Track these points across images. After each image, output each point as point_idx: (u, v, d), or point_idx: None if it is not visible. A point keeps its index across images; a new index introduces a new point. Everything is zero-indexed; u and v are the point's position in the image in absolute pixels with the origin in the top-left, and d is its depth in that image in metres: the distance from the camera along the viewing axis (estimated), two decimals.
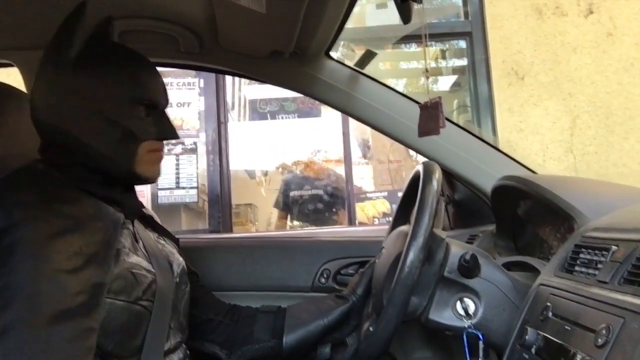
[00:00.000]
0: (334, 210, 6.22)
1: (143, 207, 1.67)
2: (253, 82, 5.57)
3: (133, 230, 1.53)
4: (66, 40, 1.46)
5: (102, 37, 1.58)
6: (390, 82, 5.50)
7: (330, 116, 6.25)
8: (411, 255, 1.32)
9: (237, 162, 6.15)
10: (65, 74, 1.45)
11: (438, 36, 5.76)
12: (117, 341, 1.37)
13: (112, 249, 1.37)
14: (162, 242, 1.66)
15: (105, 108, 1.47)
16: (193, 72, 5.53)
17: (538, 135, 5.26)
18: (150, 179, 1.59)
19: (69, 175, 1.44)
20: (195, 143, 5.69)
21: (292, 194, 6.21)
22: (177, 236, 1.80)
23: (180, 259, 1.67)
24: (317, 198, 6.18)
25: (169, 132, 1.59)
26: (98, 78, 1.48)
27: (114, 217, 1.43)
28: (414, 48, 6.22)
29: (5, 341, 1.16)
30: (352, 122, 5.70)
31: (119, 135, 1.49)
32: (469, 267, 1.40)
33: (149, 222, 1.67)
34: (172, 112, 5.16)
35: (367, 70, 2.15)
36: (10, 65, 2.10)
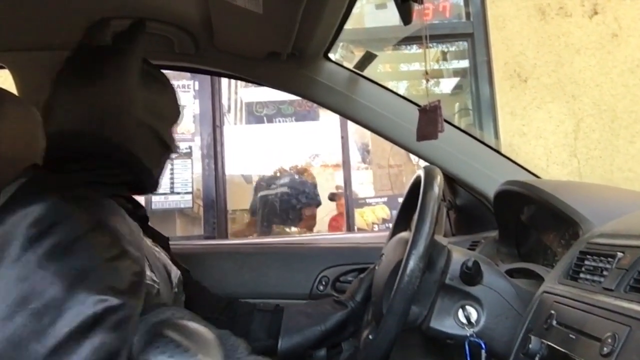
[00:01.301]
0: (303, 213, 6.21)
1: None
2: (249, 84, 5.57)
3: None
4: (126, 55, 1.55)
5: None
6: (390, 84, 5.50)
7: (328, 119, 6.26)
8: (411, 264, 1.32)
9: (233, 167, 6.15)
10: (126, 87, 1.52)
11: (439, 37, 5.76)
12: None
13: (142, 240, 1.40)
14: (157, 249, 1.66)
15: (159, 127, 1.61)
16: (188, 74, 5.53)
17: (541, 139, 5.26)
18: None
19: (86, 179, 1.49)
20: (190, 147, 5.70)
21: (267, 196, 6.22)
22: (171, 243, 1.80)
23: (176, 269, 1.67)
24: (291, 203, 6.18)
25: (176, 146, 1.75)
26: (156, 97, 1.61)
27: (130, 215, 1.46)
28: (414, 50, 6.22)
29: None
30: (351, 125, 5.70)
31: (162, 153, 1.65)
32: (471, 274, 1.40)
33: (145, 230, 1.67)
34: None
35: (367, 72, 2.14)
36: (1, 68, 2.10)
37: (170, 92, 1.70)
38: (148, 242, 1.63)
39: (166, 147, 1.67)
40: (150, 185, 1.65)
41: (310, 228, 6.15)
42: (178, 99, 1.76)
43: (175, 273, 1.65)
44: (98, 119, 1.49)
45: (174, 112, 1.72)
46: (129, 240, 1.33)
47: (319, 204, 6.24)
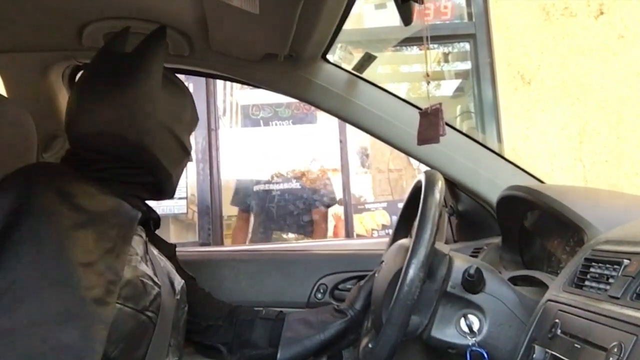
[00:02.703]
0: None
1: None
2: (245, 86, 5.57)
3: (145, 240, 1.60)
4: (149, 61, 1.63)
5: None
6: (390, 87, 5.50)
7: (326, 123, 6.26)
8: (411, 273, 1.31)
9: (229, 171, 6.15)
10: (149, 91, 1.60)
11: (440, 38, 5.77)
12: (122, 349, 1.40)
13: (128, 244, 1.44)
14: (162, 258, 1.69)
15: (179, 131, 1.69)
16: (182, 76, 5.53)
17: (545, 143, 5.27)
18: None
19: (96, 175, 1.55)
20: None
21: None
22: None
23: (180, 278, 1.70)
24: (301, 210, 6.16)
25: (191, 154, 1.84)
26: (178, 102, 1.71)
27: (131, 213, 1.51)
28: (415, 51, 6.23)
29: (16, 340, 1.19)
30: (349, 128, 5.70)
31: (182, 158, 1.74)
32: (474, 282, 1.40)
33: (152, 238, 1.71)
34: None
35: (366, 74, 2.14)
36: None
37: (188, 97, 1.77)
38: (153, 250, 1.66)
39: (186, 152, 1.75)
40: (168, 190, 1.73)
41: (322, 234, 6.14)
42: (195, 106, 1.83)
43: (179, 282, 1.69)
44: (123, 122, 1.56)
45: (193, 117, 1.79)
46: (115, 235, 1.41)
47: (329, 204, 6.21)
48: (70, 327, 1.24)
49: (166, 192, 1.73)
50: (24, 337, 1.20)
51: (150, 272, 1.51)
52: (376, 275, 1.66)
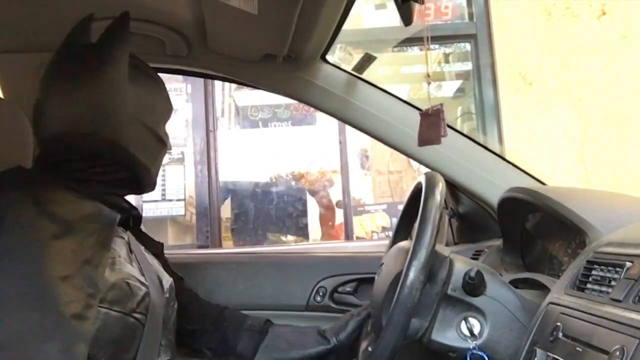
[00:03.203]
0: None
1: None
2: (244, 87, 5.57)
3: (128, 241, 1.58)
4: (114, 51, 1.55)
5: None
6: (390, 87, 5.50)
7: (326, 124, 6.26)
8: (411, 276, 1.31)
9: (227, 173, 6.15)
10: (116, 85, 1.53)
11: (441, 39, 5.78)
12: (110, 354, 1.39)
13: (107, 250, 1.41)
14: (150, 256, 1.69)
15: (153, 123, 1.62)
16: (180, 77, 5.53)
17: (547, 145, 5.27)
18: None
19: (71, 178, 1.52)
20: (182, 153, 5.70)
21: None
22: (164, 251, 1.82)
23: (168, 276, 1.69)
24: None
25: (170, 143, 1.77)
26: (147, 93, 1.62)
27: (109, 216, 1.48)
28: (415, 51, 6.23)
29: None
30: (349, 130, 5.70)
31: (159, 150, 1.68)
32: (474, 285, 1.39)
33: (138, 236, 1.70)
34: None
35: (366, 75, 2.14)
36: None
37: (160, 87, 1.71)
38: (141, 248, 1.66)
39: (162, 143, 1.69)
40: (148, 183, 1.67)
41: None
42: (169, 94, 1.76)
43: (167, 280, 1.68)
44: (90, 119, 1.50)
45: (166, 106, 1.73)
46: (94, 243, 1.39)
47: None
48: (49, 345, 1.24)
49: (146, 186, 1.68)
50: (1, 356, 1.19)
51: (136, 272, 1.50)
52: (376, 278, 1.66)
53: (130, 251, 1.57)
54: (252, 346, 1.82)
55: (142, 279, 1.50)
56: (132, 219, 1.69)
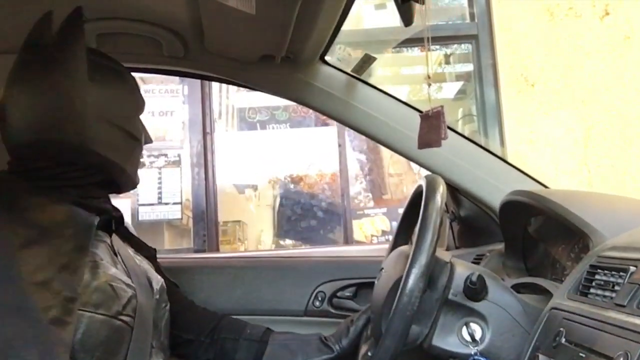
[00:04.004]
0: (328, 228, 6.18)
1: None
2: (241, 89, 5.57)
3: (110, 244, 1.57)
4: (69, 51, 1.51)
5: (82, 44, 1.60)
6: (390, 89, 5.50)
7: (325, 126, 6.26)
8: (410, 284, 1.31)
9: (225, 176, 6.15)
10: (76, 86, 1.50)
11: (442, 39, 5.78)
12: (98, 357, 1.39)
13: (85, 255, 1.40)
14: (139, 258, 1.69)
15: (121, 121, 1.58)
16: (177, 79, 5.53)
17: (549, 147, 5.27)
18: (137, 185, 1.72)
19: (45, 183, 1.50)
20: (179, 155, 5.69)
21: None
22: (159, 256, 1.82)
23: (159, 277, 1.69)
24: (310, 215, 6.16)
25: (148, 137, 1.74)
26: (111, 89, 1.58)
27: (87, 220, 1.46)
28: (415, 52, 6.23)
29: None
30: (349, 132, 5.71)
31: (132, 147, 1.64)
32: (476, 290, 1.39)
33: (125, 237, 1.69)
34: (154, 122, 5.17)
35: (365, 76, 2.15)
36: None
37: (127, 80, 1.67)
38: (129, 250, 1.66)
39: (135, 139, 1.65)
40: (126, 183, 1.66)
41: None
42: (138, 86, 1.73)
43: (157, 281, 1.68)
44: (52, 124, 1.48)
45: (134, 100, 1.69)
46: (71, 248, 1.38)
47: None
48: (28, 351, 1.23)
49: (124, 185, 1.67)
50: None
51: (121, 275, 1.50)
52: (376, 282, 1.66)
53: (115, 253, 1.56)
54: (252, 357, 1.81)
55: (128, 281, 1.50)
56: (114, 220, 1.67)
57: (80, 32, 1.53)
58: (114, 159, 1.56)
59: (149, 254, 1.78)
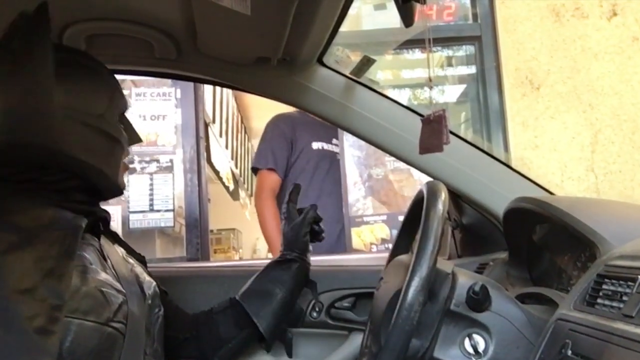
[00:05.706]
0: None
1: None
2: (237, 92, 5.58)
3: (99, 247, 1.56)
4: (32, 48, 1.46)
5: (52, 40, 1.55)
6: (390, 92, 5.50)
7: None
8: (410, 297, 1.30)
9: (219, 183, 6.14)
10: (41, 85, 1.45)
11: (443, 41, 5.78)
12: None
13: (72, 259, 1.38)
14: (131, 261, 1.68)
15: (95, 120, 1.54)
16: (169, 81, 5.52)
17: (555, 152, 5.27)
18: (123, 190, 1.70)
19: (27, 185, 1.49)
20: (171, 161, 5.68)
21: None
22: (150, 265, 1.82)
23: (151, 280, 1.69)
24: None
25: (136, 136, 1.73)
26: (83, 86, 1.55)
27: (73, 222, 1.45)
28: (416, 54, 6.24)
29: None
30: (347, 136, 5.71)
31: (110, 148, 1.59)
32: (479, 300, 1.40)
33: (115, 238, 1.69)
34: (145, 126, 5.16)
35: (364, 79, 2.15)
36: None
37: (101, 76, 1.64)
38: (120, 253, 1.66)
39: (113, 139, 1.61)
40: (107, 187, 1.63)
41: None
42: (117, 82, 1.69)
43: (149, 284, 1.68)
44: (19, 127, 1.44)
45: (111, 97, 1.63)
46: (57, 253, 1.36)
47: None
48: None
49: (107, 190, 1.63)
50: None
51: (111, 280, 1.49)
52: (376, 293, 1.66)
53: (104, 258, 1.56)
54: (233, 321, 1.89)
55: (118, 286, 1.49)
56: (101, 223, 1.66)
57: (44, 28, 1.48)
58: (88, 160, 1.53)
59: (138, 257, 1.79)
